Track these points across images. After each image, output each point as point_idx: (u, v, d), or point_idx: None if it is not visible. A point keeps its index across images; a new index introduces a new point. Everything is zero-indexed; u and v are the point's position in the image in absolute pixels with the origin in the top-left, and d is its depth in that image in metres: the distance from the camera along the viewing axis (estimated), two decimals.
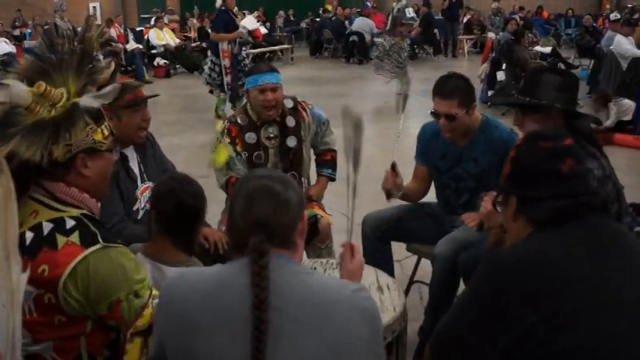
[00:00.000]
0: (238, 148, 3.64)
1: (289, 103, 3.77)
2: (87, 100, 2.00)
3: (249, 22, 11.07)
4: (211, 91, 9.85)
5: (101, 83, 2.08)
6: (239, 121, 3.69)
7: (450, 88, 3.28)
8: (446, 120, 3.27)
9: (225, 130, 3.66)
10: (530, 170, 1.83)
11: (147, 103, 3.19)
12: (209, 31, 10.48)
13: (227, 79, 9.44)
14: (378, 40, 10.52)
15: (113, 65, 2.18)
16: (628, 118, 8.66)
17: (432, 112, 3.35)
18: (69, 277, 1.85)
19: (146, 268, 2.30)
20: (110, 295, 1.91)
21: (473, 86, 3.38)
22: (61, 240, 1.89)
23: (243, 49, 10.55)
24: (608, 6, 21.50)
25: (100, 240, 1.93)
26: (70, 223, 1.92)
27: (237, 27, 9.55)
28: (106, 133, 2.07)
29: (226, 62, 9.41)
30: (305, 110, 3.82)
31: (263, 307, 1.54)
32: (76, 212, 1.97)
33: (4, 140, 1.84)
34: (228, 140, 3.61)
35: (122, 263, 1.95)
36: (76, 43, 2.07)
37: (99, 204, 2.13)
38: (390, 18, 10.95)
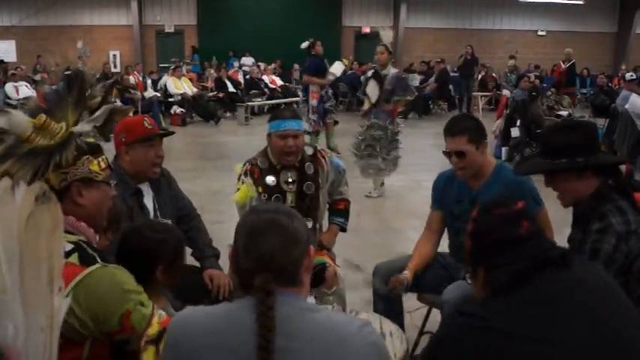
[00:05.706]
0: (259, 190, 3.65)
1: (309, 150, 3.81)
2: (81, 127, 2.04)
3: (338, 68, 11.09)
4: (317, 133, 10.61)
5: (93, 108, 2.11)
6: (259, 164, 3.72)
7: (459, 126, 3.32)
8: (456, 157, 3.29)
9: (248, 172, 3.69)
10: (491, 240, 1.86)
11: (162, 141, 3.23)
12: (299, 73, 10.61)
13: (313, 117, 10.67)
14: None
15: (105, 89, 2.18)
16: None
17: (444, 152, 3.37)
18: (70, 296, 1.84)
19: None
20: (118, 308, 1.93)
21: (483, 126, 3.39)
22: None
23: (259, 99, 10.93)
24: (624, 66, 21.53)
25: (99, 260, 1.96)
26: (68, 247, 1.93)
27: (325, 73, 10.76)
28: (103, 165, 2.11)
29: (314, 102, 10.70)
30: (324, 158, 3.84)
31: (269, 347, 1.52)
32: (74, 238, 2.00)
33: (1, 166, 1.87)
34: (251, 181, 3.64)
35: (123, 278, 1.98)
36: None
37: (97, 236, 2.15)
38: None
